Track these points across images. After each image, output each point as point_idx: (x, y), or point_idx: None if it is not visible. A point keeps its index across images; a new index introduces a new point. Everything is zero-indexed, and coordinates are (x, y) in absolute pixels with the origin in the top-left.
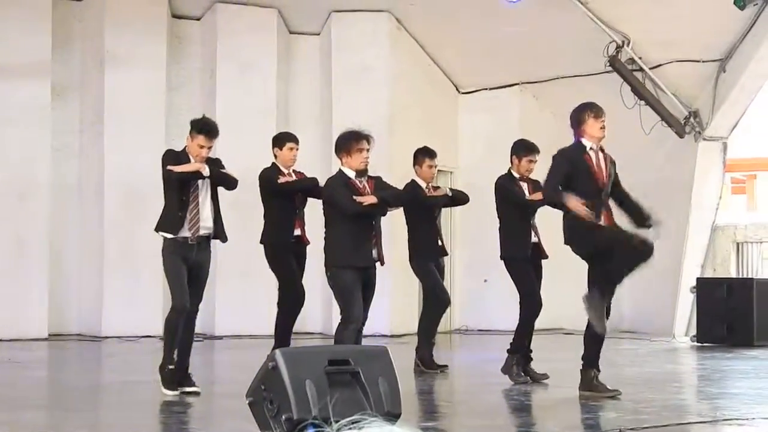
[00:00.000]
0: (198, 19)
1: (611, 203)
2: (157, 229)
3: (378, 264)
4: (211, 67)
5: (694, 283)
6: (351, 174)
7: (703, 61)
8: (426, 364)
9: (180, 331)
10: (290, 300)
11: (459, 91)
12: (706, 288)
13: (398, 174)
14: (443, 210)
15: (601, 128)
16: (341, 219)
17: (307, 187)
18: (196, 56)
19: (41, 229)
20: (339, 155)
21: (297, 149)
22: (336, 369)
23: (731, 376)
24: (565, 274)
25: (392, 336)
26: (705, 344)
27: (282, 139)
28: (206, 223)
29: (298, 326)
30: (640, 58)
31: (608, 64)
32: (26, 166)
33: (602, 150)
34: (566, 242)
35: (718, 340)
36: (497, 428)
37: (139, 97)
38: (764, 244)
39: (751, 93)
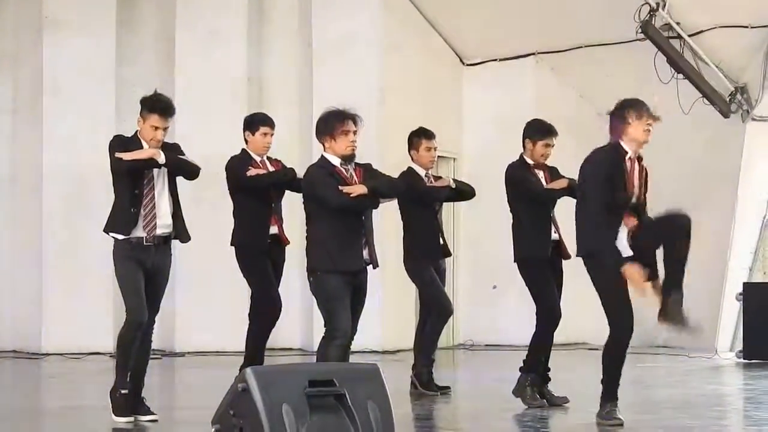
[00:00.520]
0: None
1: None
2: (106, 230)
3: (370, 267)
4: (168, 34)
5: (740, 289)
6: (335, 161)
7: (752, 27)
8: (424, 384)
9: (135, 349)
10: (264, 310)
11: (463, 63)
12: (754, 295)
13: (391, 161)
14: (445, 204)
15: (645, 131)
16: (325, 215)
17: (281, 182)
18: (151, 21)
19: None
20: (321, 139)
21: (272, 134)
22: (318, 391)
23: None
24: (587, 283)
25: (384, 352)
26: (752, 361)
27: (255, 123)
28: (164, 221)
29: (273, 341)
30: (677, 23)
31: (640, 30)
32: None
33: (639, 160)
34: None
35: None
36: None
37: (84, 71)
38: None
39: None
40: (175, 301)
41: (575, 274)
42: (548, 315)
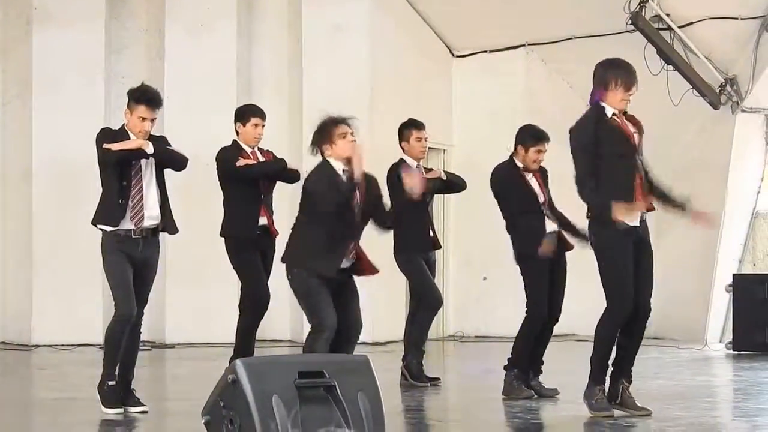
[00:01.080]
0: None
1: None
2: (94, 222)
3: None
4: (158, 26)
5: (730, 280)
6: (338, 166)
7: (742, 18)
8: (414, 376)
9: (123, 343)
10: (253, 302)
11: (453, 54)
12: (744, 286)
13: (380, 153)
14: (435, 196)
15: (622, 100)
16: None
17: (271, 172)
18: (140, 13)
19: None
20: (320, 148)
21: (263, 125)
22: (308, 382)
23: None
24: (577, 272)
25: (374, 344)
26: (742, 352)
27: (246, 114)
28: (152, 212)
29: (263, 333)
30: (667, 14)
31: (630, 21)
32: None
33: (625, 114)
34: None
35: (758, 347)
36: None
37: (73, 62)
38: None
39: None
40: (165, 293)
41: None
42: (533, 315)
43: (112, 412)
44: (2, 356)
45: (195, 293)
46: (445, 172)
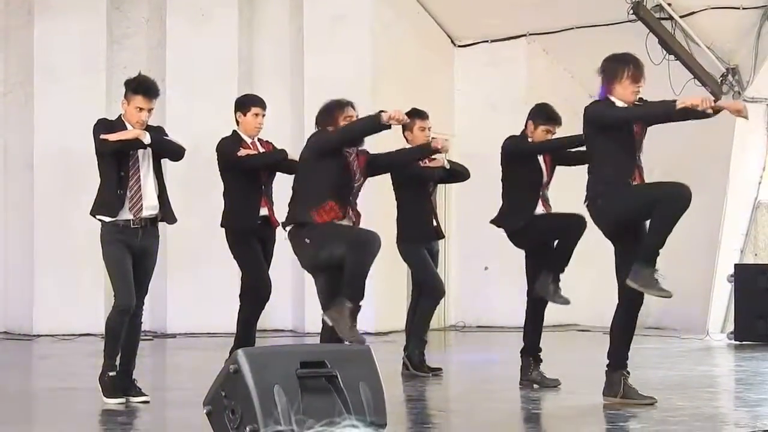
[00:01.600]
0: None
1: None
2: (93, 213)
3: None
4: (160, 15)
5: (731, 270)
6: None
7: (744, 8)
8: (416, 366)
9: (123, 334)
10: (254, 292)
11: (455, 44)
12: (745, 276)
13: (382, 144)
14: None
15: (633, 93)
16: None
17: (272, 163)
18: (141, 2)
19: None
20: (324, 129)
21: (264, 115)
22: (309, 372)
23: None
24: (578, 261)
25: (376, 333)
26: (744, 342)
27: (246, 104)
28: (150, 202)
29: (264, 323)
30: (669, 4)
31: (631, 11)
32: None
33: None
34: (591, 206)
35: (760, 337)
36: None
37: (75, 52)
38: None
39: None
40: (166, 283)
41: None
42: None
43: (113, 402)
44: (4, 346)
45: (196, 283)
46: (449, 161)
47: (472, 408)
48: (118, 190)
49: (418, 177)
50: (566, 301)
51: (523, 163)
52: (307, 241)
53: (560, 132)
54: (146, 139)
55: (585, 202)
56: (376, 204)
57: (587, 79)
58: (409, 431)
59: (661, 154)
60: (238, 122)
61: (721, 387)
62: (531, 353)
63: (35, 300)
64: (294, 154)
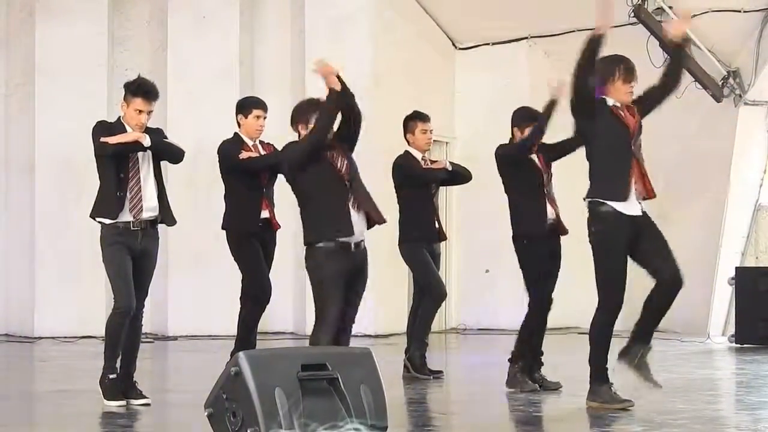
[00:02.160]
0: None
1: None
2: (93, 215)
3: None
4: (161, 17)
5: (732, 273)
6: None
7: (745, 11)
8: (417, 368)
9: (123, 336)
10: (254, 294)
11: (456, 47)
12: (746, 279)
13: (383, 146)
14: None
15: (627, 93)
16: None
17: (274, 165)
18: (143, 4)
19: None
20: (296, 127)
21: (265, 117)
22: (310, 375)
23: None
24: (579, 262)
25: (377, 336)
26: (745, 345)
27: (248, 106)
28: (150, 204)
29: (265, 325)
30: (670, 7)
31: (632, 14)
32: None
33: (628, 108)
34: (589, 215)
35: (761, 340)
36: None
37: (76, 54)
38: None
39: None
40: (167, 285)
41: (565, 256)
42: (535, 300)
43: (114, 405)
44: (5, 348)
45: (197, 286)
46: (451, 163)
47: (473, 411)
48: (118, 192)
49: (421, 178)
50: (534, 389)
51: (519, 167)
52: None
53: (560, 134)
54: (146, 141)
55: (585, 198)
56: (378, 205)
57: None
58: None
59: (662, 158)
60: (239, 124)
61: (722, 390)
62: (534, 356)
63: (36, 302)
64: None
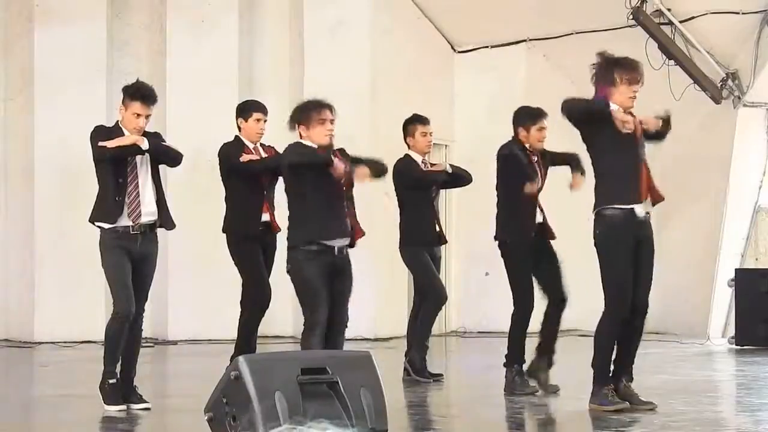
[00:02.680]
0: None
1: None
2: (92, 220)
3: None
4: (160, 22)
5: (732, 275)
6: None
7: (743, 13)
8: (417, 371)
9: (123, 341)
10: (254, 298)
11: (455, 50)
12: (746, 281)
13: (382, 149)
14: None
15: (630, 98)
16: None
17: (275, 168)
18: (142, 9)
19: None
20: (296, 128)
21: (265, 120)
22: (310, 379)
23: None
24: (577, 265)
25: (377, 339)
26: (745, 347)
27: (248, 109)
28: (149, 209)
29: (265, 329)
30: (669, 9)
31: (631, 16)
32: None
33: (632, 114)
34: (595, 223)
35: (760, 342)
36: None
37: (75, 59)
38: None
39: None
40: (167, 290)
41: (565, 259)
42: (522, 305)
43: (114, 409)
44: (4, 353)
45: (197, 290)
46: (451, 166)
47: (473, 414)
48: (117, 196)
49: (421, 182)
50: (533, 390)
51: (519, 169)
52: None
53: (560, 135)
54: (144, 145)
55: (594, 210)
56: (379, 208)
57: (587, 84)
58: None
59: (662, 159)
60: (239, 128)
61: (722, 391)
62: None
63: (36, 307)
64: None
